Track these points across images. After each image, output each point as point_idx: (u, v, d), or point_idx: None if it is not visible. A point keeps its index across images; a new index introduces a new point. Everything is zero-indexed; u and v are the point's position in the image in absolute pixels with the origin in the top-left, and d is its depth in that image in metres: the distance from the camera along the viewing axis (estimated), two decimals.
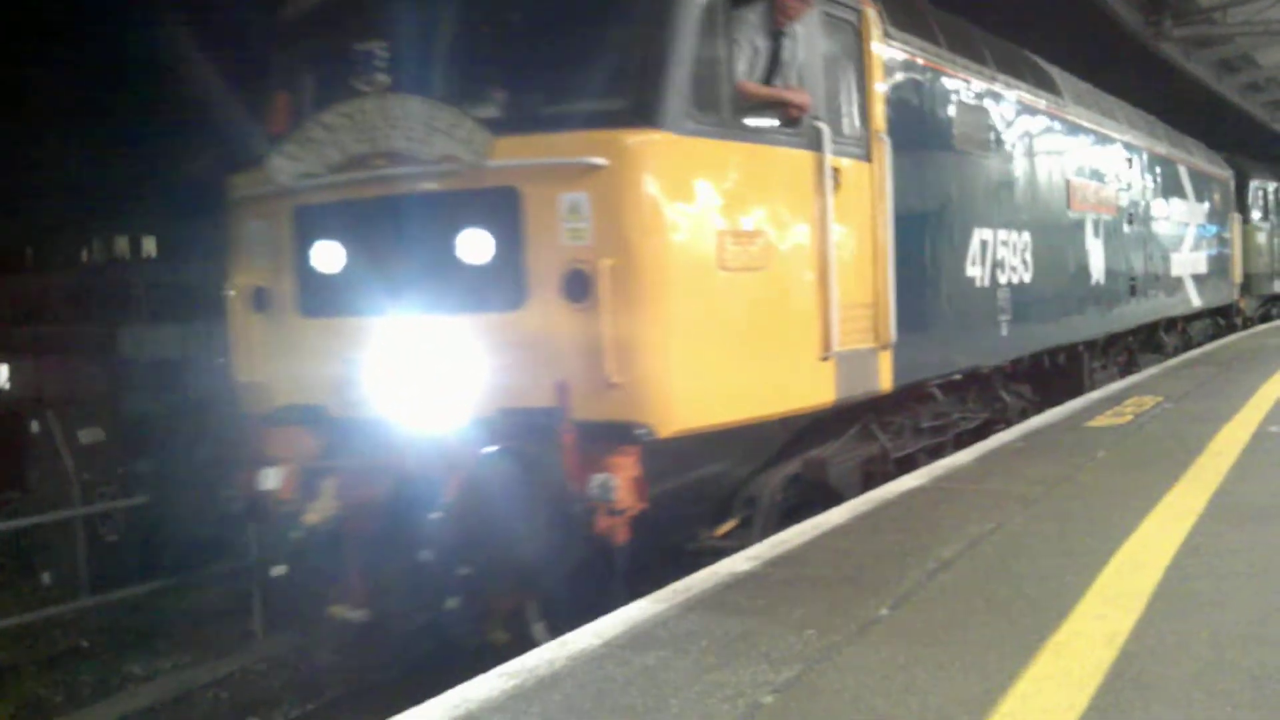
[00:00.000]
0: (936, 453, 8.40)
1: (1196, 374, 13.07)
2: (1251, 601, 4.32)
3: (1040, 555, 5.15)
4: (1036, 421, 9.59)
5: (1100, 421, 9.29)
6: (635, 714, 3.53)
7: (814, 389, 6.42)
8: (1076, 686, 3.53)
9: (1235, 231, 20.54)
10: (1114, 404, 10.35)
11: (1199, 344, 17.87)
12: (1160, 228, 15.20)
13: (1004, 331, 9.45)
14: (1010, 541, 5.44)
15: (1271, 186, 23.84)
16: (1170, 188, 15.85)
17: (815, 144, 6.38)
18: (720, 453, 6.15)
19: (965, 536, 5.50)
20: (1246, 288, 21.80)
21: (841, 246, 6.58)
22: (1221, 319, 20.55)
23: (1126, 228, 13.52)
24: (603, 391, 5.29)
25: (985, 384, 9.68)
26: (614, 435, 5.32)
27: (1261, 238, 22.96)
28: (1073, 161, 11.66)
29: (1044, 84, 11.15)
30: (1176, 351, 16.51)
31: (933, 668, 3.79)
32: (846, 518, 6.11)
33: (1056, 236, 11.07)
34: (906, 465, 7.85)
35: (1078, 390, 11.73)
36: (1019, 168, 10.00)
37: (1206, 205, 18.33)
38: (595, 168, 5.32)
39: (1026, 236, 10.03)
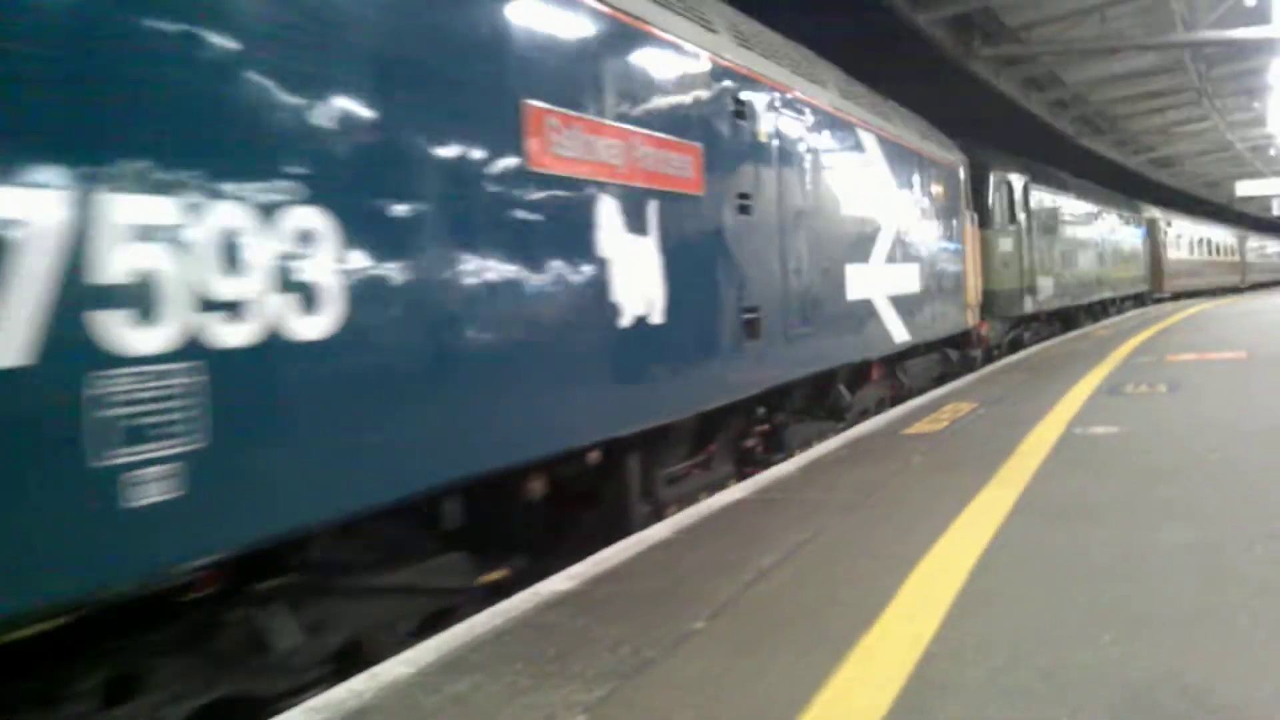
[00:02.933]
0: None
1: (1011, 380, 13.59)
2: (1049, 599, 4.48)
3: (853, 561, 5.26)
4: (859, 430, 9.84)
5: (918, 428, 9.57)
6: None
7: None
8: (880, 689, 3.60)
9: (971, 237, 16.22)
10: (932, 411, 10.69)
11: (920, 390, 13.61)
12: (825, 228, 9.79)
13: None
14: (826, 549, 5.54)
15: (1019, 182, 19.78)
16: (848, 165, 10.60)
17: None
18: None
19: (784, 546, 5.59)
20: (988, 309, 17.72)
21: None
22: (954, 351, 16.13)
23: (735, 222, 7.88)
24: None
25: None
26: None
27: (1007, 245, 18.76)
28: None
29: None
30: (883, 406, 12.26)
31: (744, 676, 3.82)
32: (669, 532, 6.14)
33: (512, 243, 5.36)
34: None
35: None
36: None
37: (922, 200, 13.35)
38: None
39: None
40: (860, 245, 10.83)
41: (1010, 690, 3.54)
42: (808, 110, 9.52)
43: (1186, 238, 42.91)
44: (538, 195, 5.52)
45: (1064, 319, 24.31)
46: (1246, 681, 3.52)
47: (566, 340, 5.82)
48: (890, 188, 11.97)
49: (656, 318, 6.66)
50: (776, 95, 8.87)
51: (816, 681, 3.72)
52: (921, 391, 13.24)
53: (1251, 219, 65.95)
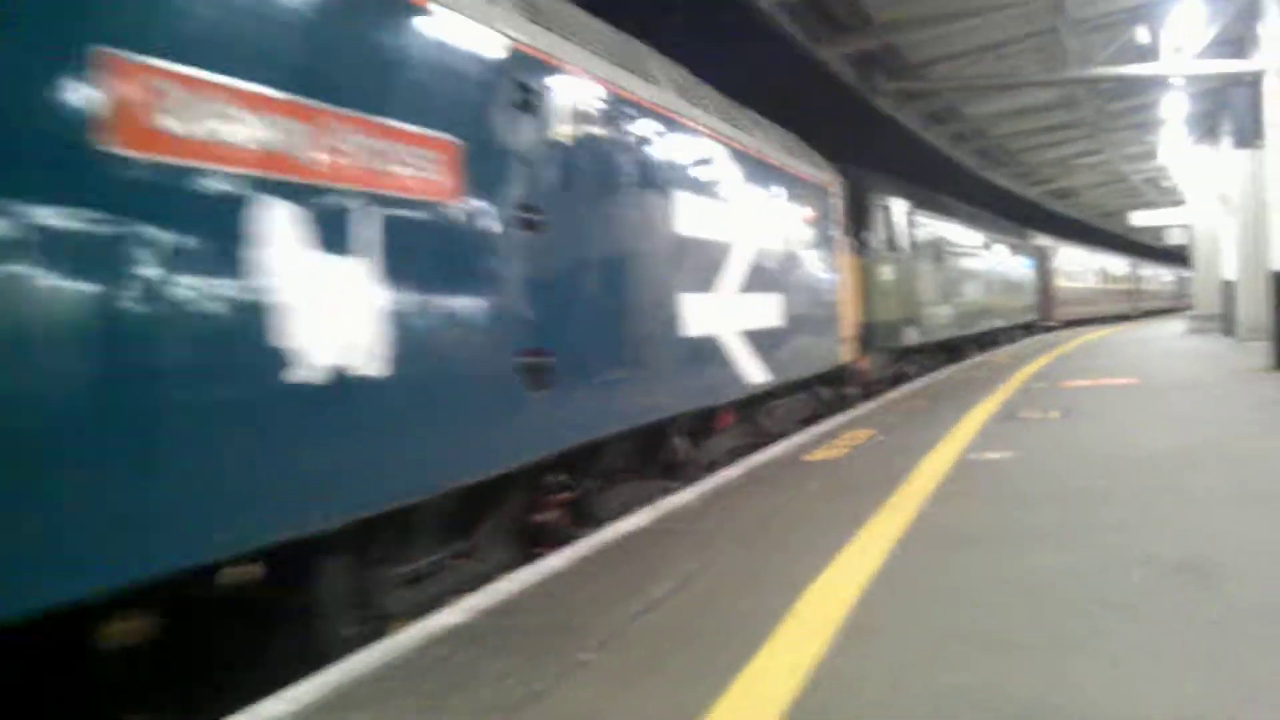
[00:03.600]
0: None
1: (910, 406, 13.81)
2: (932, 625, 4.54)
3: (745, 589, 5.28)
4: (760, 458, 9.90)
5: (817, 455, 9.67)
6: None
7: None
8: (761, 718, 3.61)
9: (848, 265, 14.80)
10: (832, 438, 10.81)
11: (785, 434, 11.82)
12: (653, 251, 8.23)
13: None
14: (719, 577, 5.55)
15: (901, 207, 18.53)
16: (687, 179, 8.96)
17: None
18: None
19: (676, 575, 5.59)
20: (869, 342, 16.06)
21: None
22: (827, 389, 14.36)
23: (514, 241, 6.21)
24: None
25: None
26: None
27: (888, 274, 17.35)
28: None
29: None
30: (738, 455, 10.45)
31: (629, 707, 3.81)
32: (565, 563, 6.11)
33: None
34: None
35: None
36: None
37: (787, 222, 11.82)
38: None
39: None
40: (703, 272, 9.26)
41: (890, 717, 3.57)
42: (632, 109, 7.92)
43: (1077, 266, 43.30)
44: (124, 190, 3.66)
45: (951, 351, 23.29)
46: (1119, 705, 3.60)
47: (166, 403, 3.82)
48: (745, 207, 10.39)
49: (368, 367, 4.84)
50: (586, 87, 7.17)
51: (699, 710, 3.72)
52: (786, 435, 11.65)
53: (1144, 247, 67.31)
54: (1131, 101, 27.97)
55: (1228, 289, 25.67)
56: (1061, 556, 5.52)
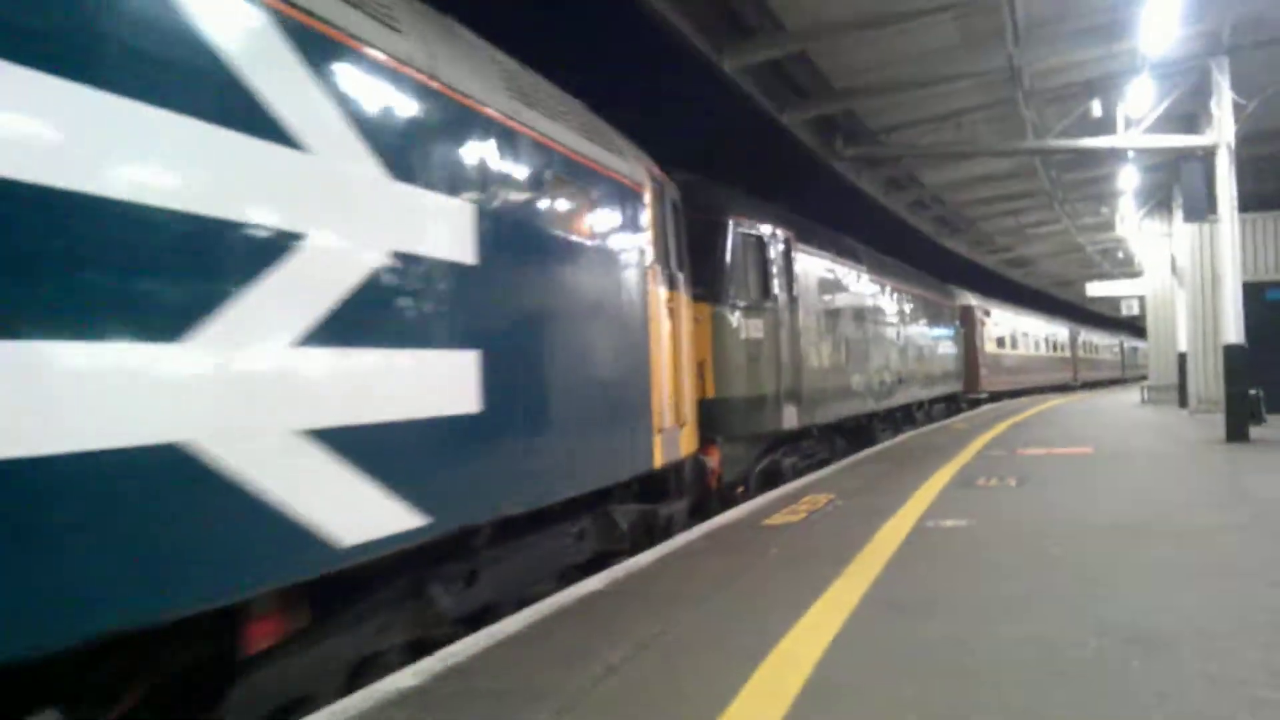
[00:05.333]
0: None
1: (869, 471, 13.86)
2: (889, 694, 4.53)
3: (703, 654, 5.25)
4: (719, 520, 9.89)
5: (777, 519, 9.67)
6: None
7: None
8: None
9: (681, 311, 10.34)
10: (791, 501, 10.82)
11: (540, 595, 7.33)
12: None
13: None
14: (677, 642, 5.52)
15: (776, 240, 13.88)
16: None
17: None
18: None
19: (634, 639, 5.56)
20: (721, 426, 12.03)
21: None
22: (627, 510, 9.29)
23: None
24: None
25: None
26: None
27: (754, 330, 12.88)
28: None
29: None
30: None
31: None
32: (521, 625, 6.06)
33: None
34: None
35: None
36: None
37: (583, 250, 7.88)
38: None
39: None
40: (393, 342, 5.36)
41: None
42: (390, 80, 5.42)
43: (1008, 329, 38.04)
44: None
45: (849, 434, 18.47)
46: None
47: None
48: (530, 236, 6.95)
49: None
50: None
51: None
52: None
53: (1096, 315, 67.04)
54: (1087, 173, 28.47)
55: (1181, 361, 26.01)
56: (1017, 626, 5.54)
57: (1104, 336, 65.00)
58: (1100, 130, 20.72)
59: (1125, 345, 70.98)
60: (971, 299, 32.79)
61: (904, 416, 23.42)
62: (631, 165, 9.18)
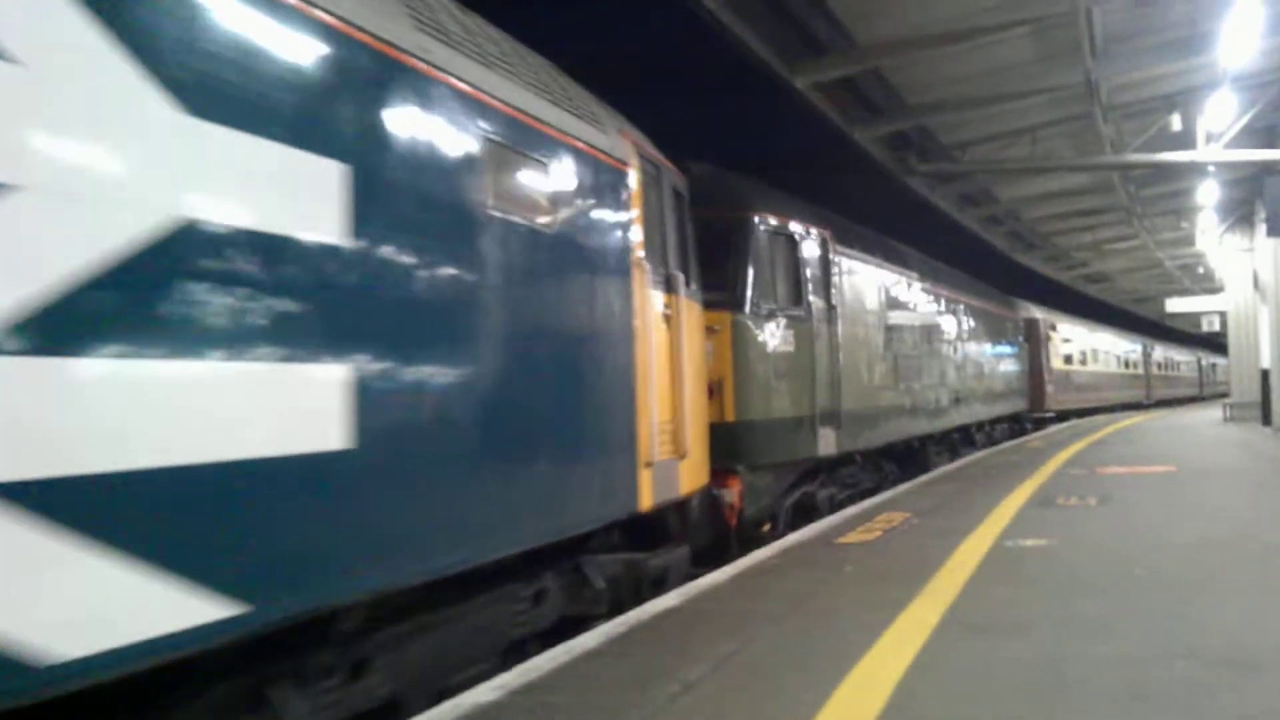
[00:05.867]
0: None
1: (944, 489, 13.70)
2: (972, 714, 4.49)
3: (781, 673, 5.23)
4: (792, 538, 9.84)
5: (851, 538, 9.60)
6: None
7: None
8: None
9: (685, 319, 8.58)
10: (866, 520, 10.74)
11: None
12: None
13: None
14: (754, 661, 5.50)
15: (811, 241, 12.34)
16: None
17: None
18: None
19: (711, 657, 5.55)
20: (745, 453, 10.64)
21: None
22: (602, 563, 7.69)
23: None
24: None
25: None
26: None
27: (784, 343, 11.47)
28: None
29: None
30: None
31: None
32: (598, 641, 6.08)
33: None
34: None
35: None
36: None
37: (528, 236, 6.17)
38: None
39: None
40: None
41: None
42: None
43: (1076, 344, 35.75)
44: None
45: (898, 459, 16.67)
46: None
47: None
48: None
49: None
50: None
51: None
52: None
53: (1164, 329, 64.81)
54: (1165, 188, 28.02)
55: (1264, 377, 25.45)
56: (1101, 647, 5.45)
57: (1180, 353, 62.69)
58: (1179, 144, 20.41)
59: (1204, 362, 68.82)
60: (1037, 312, 31.13)
61: (962, 438, 21.59)
62: (612, 139, 7.48)
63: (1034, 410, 30.04)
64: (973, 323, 21.95)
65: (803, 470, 12.17)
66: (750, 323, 10.86)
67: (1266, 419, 24.97)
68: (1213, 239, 30.94)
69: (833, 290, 12.79)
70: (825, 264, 12.65)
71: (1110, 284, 50.90)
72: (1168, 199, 29.76)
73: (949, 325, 19.76)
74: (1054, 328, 32.39)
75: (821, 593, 7.20)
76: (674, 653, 5.73)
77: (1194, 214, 30.32)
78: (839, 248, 13.29)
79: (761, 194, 11.78)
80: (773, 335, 11.19)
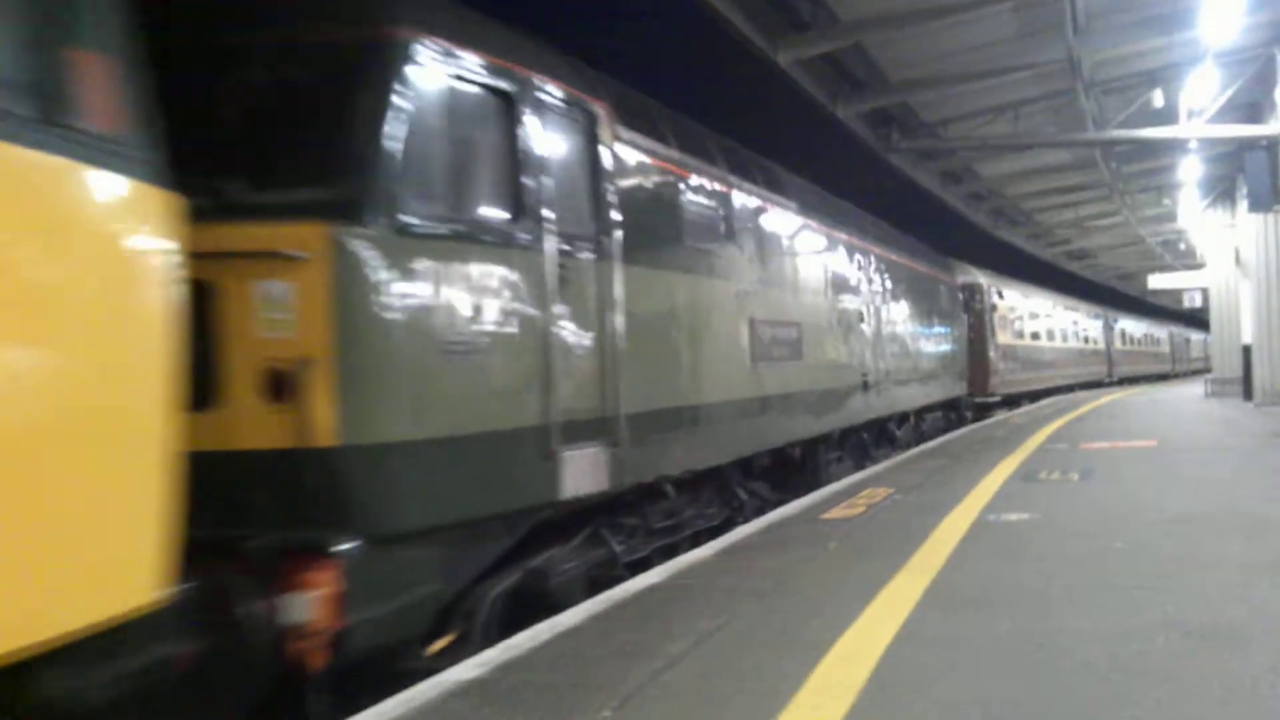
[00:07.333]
0: None
1: (928, 466, 13.73)
2: (953, 688, 4.50)
3: (765, 648, 5.23)
4: (776, 515, 9.84)
5: (835, 514, 9.61)
6: None
7: None
8: None
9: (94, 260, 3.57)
10: (849, 496, 10.75)
11: None
12: None
13: None
14: (738, 636, 5.50)
15: (554, 103, 7.11)
16: None
17: None
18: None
19: (694, 633, 5.54)
20: (337, 514, 5.23)
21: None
22: None
23: None
24: None
25: None
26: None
27: (472, 282, 6.08)
28: None
29: None
30: None
31: None
32: (580, 618, 6.07)
33: None
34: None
35: None
36: None
37: None
38: None
39: None
40: None
41: None
42: None
43: (1024, 316, 31.07)
44: None
45: (768, 474, 11.76)
46: None
47: None
48: None
49: None
50: None
51: None
52: None
53: (1139, 303, 63.13)
54: (1148, 164, 28.09)
55: (1246, 353, 25.58)
56: (1082, 621, 5.47)
57: (1150, 326, 58.27)
58: (1162, 120, 20.46)
59: (1176, 337, 65.71)
60: (980, 276, 26.70)
61: (874, 437, 16.56)
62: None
63: (976, 395, 25.38)
64: (890, 283, 17.16)
65: (529, 527, 6.77)
66: (378, 247, 5.41)
67: (1248, 394, 25.11)
68: (1195, 215, 31.03)
69: (608, 204, 7.69)
70: (594, 159, 7.62)
71: (1093, 260, 51.07)
72: (1150, 175, 29.85)
73: (854, 283, 15.00)
74: (1000, 295, 28.07)
75: (805, 569, 7.20)
76: (657, 629, 5.73)
77: (1176, 190, 30.44)
78: (629, 135, 8.27)
79: (440, 8, 6.50)
80: (445, 274, 5.87)
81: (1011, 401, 28.79)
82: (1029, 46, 18.00)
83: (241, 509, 5.07)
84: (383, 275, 5.41)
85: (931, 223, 29.20)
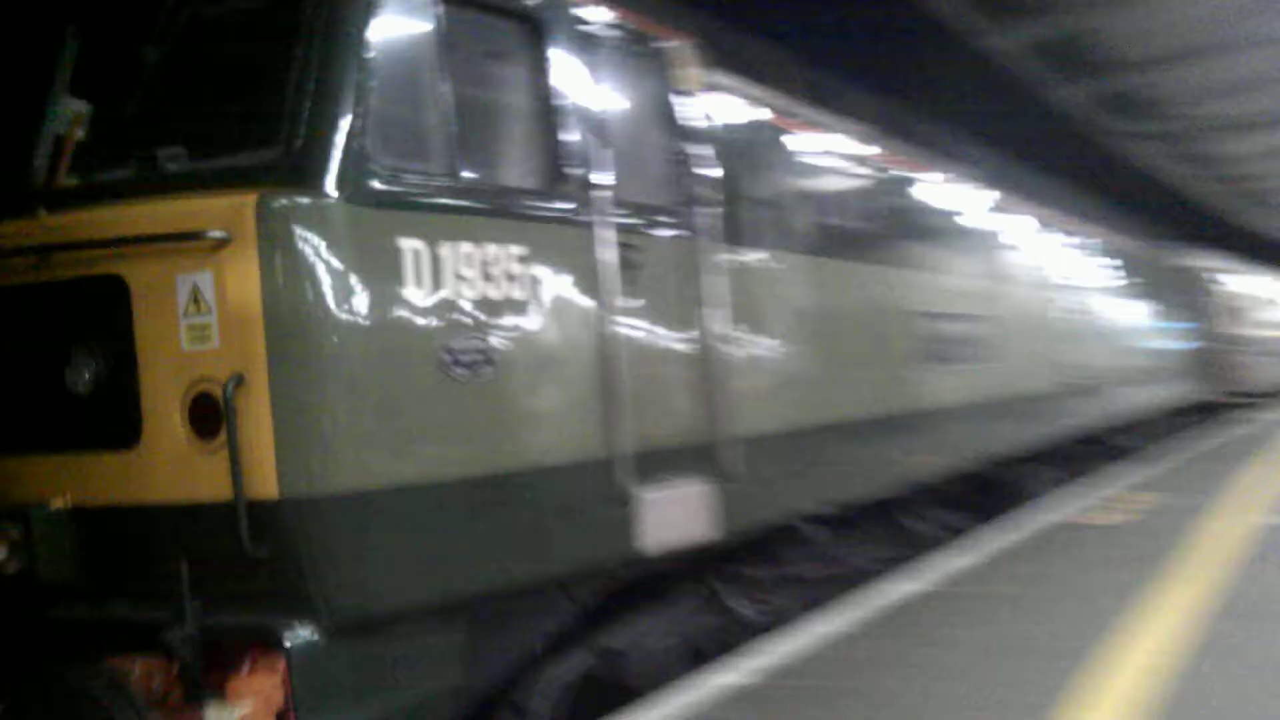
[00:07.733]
0: None
1: (1200, 469, 12.91)
2: (1271, 704, 4.19)
3: (1046, 661, 4.99)
4: (1040, 520, 9.35)
5: (1101, 519, 9.17)
6: None
7: None
8: None
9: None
10: (1115, 501, 10.22)
11: None
12: None
13: None
14: (1013, 646, 5.32)
15: (624, 36, 5.47)
16: None
17: None
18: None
19: (968, 643, 5.38)
20: (294, 587, 3.84)
21: None
22: None
23: None
24: None
25: None
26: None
27: (494, 268, 4.47)
28: None
29: None
30: None
31: None
32: (845, 625, 5.90)
33: None
34: None
35: None
36: None
37: None
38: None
39: None
40: None
41: None
42: None
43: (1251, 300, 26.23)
44: None
45: (947, 500, 9.48)
46: None
47: None
48: None
49: None
50: None
51: None
52: None
53: None
54: None
55: None
56: None
57: None
58: None
59: None
60: (1215, 261, 23.29)
61: (1097, 445, 14.18)
62: None
63: (1219, 392, 21.63)
64: (1084, 266, 14.37)
65: (602, 592, 5.33)
66: (335, 221, 3.99)
67: None
68: None
69: (697, 170, 5.82)
70: (673, 110, 5.78)
71: None
72: None
73: (1051, 267, 12.83)
74: (1239, 284, 24.73)
75: (1076, 578, 6.87)
76: (927, 638, 5.55)
77: None
78: (731, 82, 6.42)
79: None
80: (444, 258, 4.30)
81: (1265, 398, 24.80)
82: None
83: (160, 582, 3.83)
84: (342, 259, 3.91)
85: (1163, 207, 27.55)
